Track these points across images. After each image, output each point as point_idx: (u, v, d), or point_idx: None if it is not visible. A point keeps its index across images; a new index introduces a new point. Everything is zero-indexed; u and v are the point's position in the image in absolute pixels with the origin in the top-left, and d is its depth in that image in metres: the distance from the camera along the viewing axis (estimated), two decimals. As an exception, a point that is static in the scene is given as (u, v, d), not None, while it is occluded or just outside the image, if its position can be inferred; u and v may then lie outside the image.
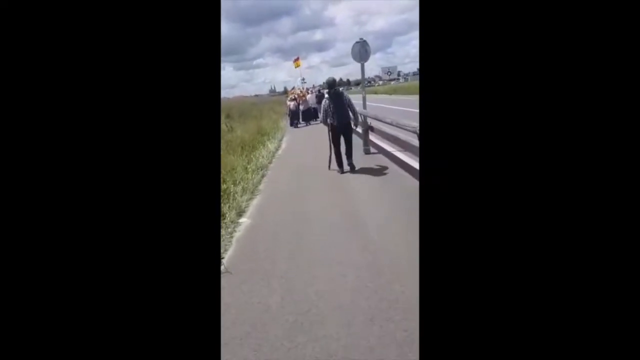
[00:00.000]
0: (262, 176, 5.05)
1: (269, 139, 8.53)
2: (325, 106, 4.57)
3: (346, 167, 4.64)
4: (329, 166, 4.84)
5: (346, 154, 4.67)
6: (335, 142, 4.64)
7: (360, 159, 5.19)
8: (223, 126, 9.94)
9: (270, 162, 6.05)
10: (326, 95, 4.68)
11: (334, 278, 2.13)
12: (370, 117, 5.38)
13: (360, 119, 5.21)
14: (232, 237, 2.98)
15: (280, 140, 8.90)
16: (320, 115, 4.81)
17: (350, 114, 4.61)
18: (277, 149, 7.50)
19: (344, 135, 4.60)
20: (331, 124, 4.54)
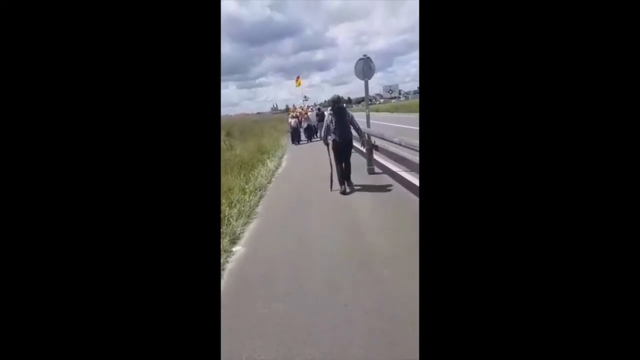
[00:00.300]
0: (260, 197, 4.77)
1: (269, 158, 8.30)
2: (328, 122, 4.44)
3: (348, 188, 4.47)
4: (331, 187, 4.63)
5: (344, 175, 4.49)
6: (337, 160, 4.49)
7: (363, 179, 4.92)
8: (222, 144, 9.74)
9: (269, 182, 5.77)
10: (329, 111, 4.57)
11: (336, 327, 1.80)
12: (374, 136, 5.12)
13: (365, 137, 4.98)
14: (223, 269, 2.66)
15: (281, 158, 8.67)
16: (322, 131, 4.69)
17: (353, 131, 4.47)
18: (277, 168, 7.25)
19: (343, 152, 4.44)
20: (333, 140, 4.40)
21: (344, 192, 4.37)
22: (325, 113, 6.07)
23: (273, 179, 6.06)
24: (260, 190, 5.06)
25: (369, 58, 5.63)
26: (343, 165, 4.46)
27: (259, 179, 5.62)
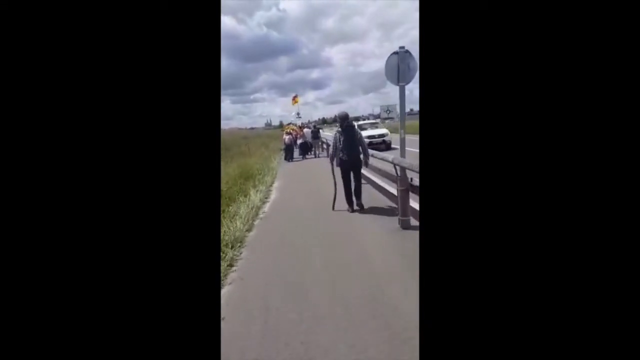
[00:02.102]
0: (229, 266, 2.90)
1: (254, 185, 6.44)
2: (336, 140, 4.19)
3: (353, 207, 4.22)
4: (333, 206, 4.45)
5: (355, 192, 4.34)
6: (345, 178, 4.30)
7: (394, 238, 3.10)
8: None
9: (249, 230, 3.90)
10: (337, 130, 4.27)
11: None
12: (409, 169, 3.23)
13: (399, 169, 3.20)
14: None
15: (270, 185, 6.81)
16: (330, 149, 4.46)
17: (360, 149, 4.16)
18: (263, 201, 5.39)
19: (353, 172, 4.26)
20: (340, 158, 4.19)
21: (351, 211, 4.25)
22: (323, 132, 6.25)
23: (255, 224, 4.18)
24: (231, 249, 3.19)
25: (407, 52, 3.73)
26: (353, 184, 4.29)
27: (232, 227, 3.75)
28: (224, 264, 2.86)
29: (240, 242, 3.47)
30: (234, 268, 2.87)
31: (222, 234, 3.47)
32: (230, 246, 3.25)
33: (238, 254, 3.18)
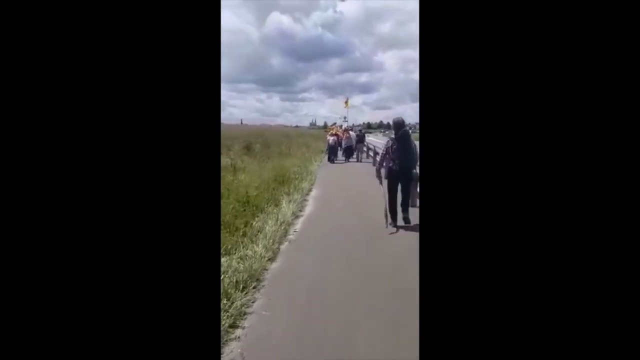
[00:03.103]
0: (231, 326, 1.95)
1: (288, 193, 5.53)
2: (388, 148, 3.82)
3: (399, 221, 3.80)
4: (386, 223, 3.84)
5: (402, 204, 3.92)
6: (392, 190, 3.88)
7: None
8: (225, 162, 7.12)
9: (271, 259, 2.94)
10: (391, 137, 3.93)
11: None
12: None
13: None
14: None
15: (307, 194, 5.88)
16: (379, 158, 4.07)
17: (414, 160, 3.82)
18: (297, 214, 4.45)
19: (402, 184, 3.86)
20: (390, 167, 3.81)
21: (395, 226, 3.81)
22: (371, 138, 6.37)
23: (283, 247, 3.24)
24: (242, 291, 2.26)
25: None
26: (401, 195, 3.89)
27: (252, 250, 2.83)
28: (225, 319, 1.93)
29: (258, 279, 2.53)
30: (237, 333, 1.90)
31: (235, 263, 2.57)
32: (240, 286, 2.31)
33: (250, 301, 2.23)
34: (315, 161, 11.25)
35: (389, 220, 3.86)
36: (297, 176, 6.99)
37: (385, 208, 3.90)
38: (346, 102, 18.14)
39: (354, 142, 11.88)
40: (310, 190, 6.24)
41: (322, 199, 5.55)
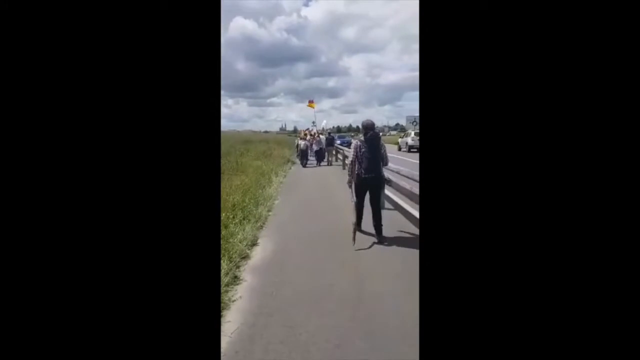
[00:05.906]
0: None
1: (231, 235, 3.81)
2: (357, 149, 3.43)
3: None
4: (353, 241, 3.26)
5: (374, 223, 3.48)
6: (359, 200, 3.50)
7: None
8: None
9: None
10: (359, 139, 3.59)
11: None
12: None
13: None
14: None
15: (262, 224, 4.27)
16: (348, 161, 3.69)
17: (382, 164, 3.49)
18: (243, 260, 2.85)
19: (370, 192, 3.44)
20: (357, 174, 3.41)
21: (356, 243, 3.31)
22: (353, 141, 6.09)
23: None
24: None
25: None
26: (372, 209, 3.45)
27: None
28: None
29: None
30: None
31: None
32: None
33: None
34: (282, 171, 9.54)
35: (353, 236, 3.35)
36: (250, 201, 5.04)
37: (354, 226, 3.42)
38: (310, 104, 16.97)
39: (324, 145, 12.63)
40: (268, 215, 4.61)
41: (284, 231, 3.94)
